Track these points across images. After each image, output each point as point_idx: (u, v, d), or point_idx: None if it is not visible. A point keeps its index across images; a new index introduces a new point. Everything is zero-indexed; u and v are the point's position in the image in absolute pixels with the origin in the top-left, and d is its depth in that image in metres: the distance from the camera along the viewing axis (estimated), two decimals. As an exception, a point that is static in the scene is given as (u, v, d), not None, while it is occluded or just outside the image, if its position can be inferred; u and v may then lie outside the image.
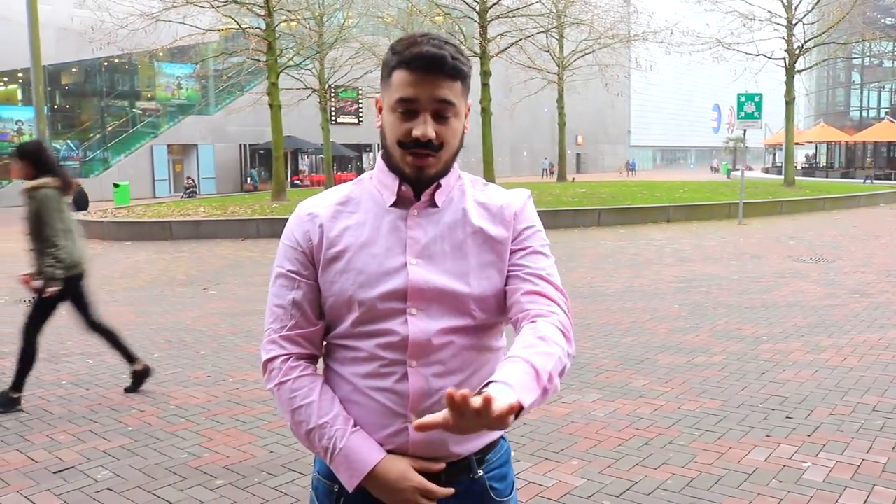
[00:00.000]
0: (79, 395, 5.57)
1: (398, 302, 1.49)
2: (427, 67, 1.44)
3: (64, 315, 8.71)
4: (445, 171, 1.54)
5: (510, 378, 1.25)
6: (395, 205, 1.54)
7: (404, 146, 1.48)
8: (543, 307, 1.47)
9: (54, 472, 4.11)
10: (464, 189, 1.59)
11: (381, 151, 1.60)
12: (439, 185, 1.54)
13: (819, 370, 5.75)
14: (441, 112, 1.46)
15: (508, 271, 1.54)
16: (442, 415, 1.15)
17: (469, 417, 1.11)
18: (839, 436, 4.41)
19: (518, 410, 1.18)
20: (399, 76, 1.46)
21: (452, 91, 1.47)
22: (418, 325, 1.48)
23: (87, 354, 6.78)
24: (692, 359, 6.17)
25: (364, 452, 1.47)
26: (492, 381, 1.24)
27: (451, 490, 1.47)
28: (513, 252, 1.55)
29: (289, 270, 1.55)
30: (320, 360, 1.64)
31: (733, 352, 6.35)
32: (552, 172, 55.26)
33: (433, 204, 1.55)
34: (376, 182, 1.58)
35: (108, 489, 3.88)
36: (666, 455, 4.18)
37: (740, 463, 4.05)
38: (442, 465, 1.50)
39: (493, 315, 1.54)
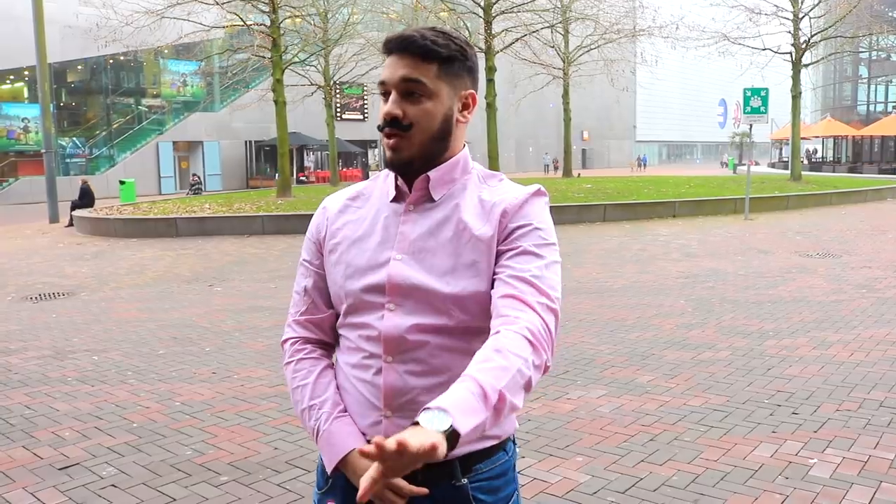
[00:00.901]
0: (84, 391, 5.58)
1: (378, 296, 1.51)
2: (396, 48, 1.49)
3: (69, 312, 8.74)
4: (427, 156, 1.51)
5: (450, 402, 1.19)
6: (396, 199, 1.57)
7: (380, 129, 1.51)
8: (512, 313, 1.38)
9: (59, 469, 4.12)
10: (467, 184, 1.56)
11: None
12: (429, 178, 1.53)
13: (826, 366, 5.73)
14: (409, 91, 1.47)
15: (494, 273, 1.48)
16: (373, 469, 1.15)
17: (393, 461, 1.09)
18: (846, 432, 4.38)
19: (455, 437, 1.15)
20: (383, 63, 1.53)
21: (421, 71, 1.47)
22: (393, 320, 1.49)
23: (92, 351, 6.80)
24: (698, 354, 6.15)
25: (342, 438, 1.52)
26: (427, 408, 1.18)
27: (423, 490, 1.39)
28: (501, 252, 1.48)
29: (304, 259, 1.67)
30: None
31: (739, 347, 6.32)
32: (556, 168, 54.88)
33: (430, 199, 1.54)
34: (386, 177, 1.62)
35: (113, 486, 3.89)
36: (671, 451, 4.17)
37: (746, 459, 4.03)
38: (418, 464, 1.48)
39: (476, 318, 1.48)
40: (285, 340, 1.67)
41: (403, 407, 1.49)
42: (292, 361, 1.64)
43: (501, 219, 1.50)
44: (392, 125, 1.47)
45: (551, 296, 1.44)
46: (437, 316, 1.48)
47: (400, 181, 1.55)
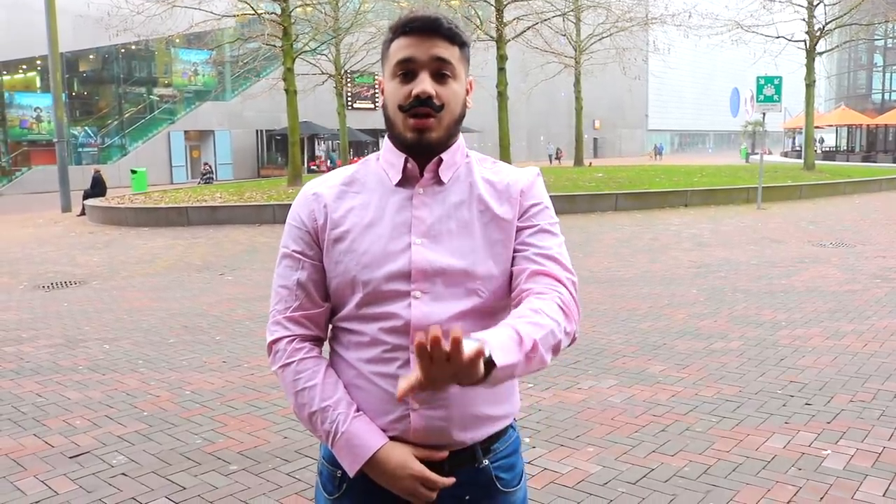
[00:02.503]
0: (95, 380, 5.59)
1: (402, 283, 1.46)
2: (423, 28, 1.45)
3: (81, 301, 8.77)
4: (447, 138, 1.51)
5: (488, 336, 1.23)
6: (400, 184, 1.52)
7: (405, 109, 1.46)
8: (546, 287, 1.44)
9: (70, 457, 4.13)
10: (471, 167, 1.56)
11: (387, 132, 1.58)
12: (441, 161, 1.52)
13: (839, 356, 5.67)
14: (440, 70, 1.46)
15: (515, 250, 1.51)
16: (413, 374, 1.16)
17: (439, 362, 1.11)
18: (860, 423, 4.34)
19: (489, 365, 1.18)
20: (396, 44, 1.47)
21: (450, 53, 1.47)
22: (422, 309, 1.46)
23: (103, 340, 6.82)
24: (710, 345, 6.10)
25: (365, 438, 1.46)
26: (467, 337, 1.19)
27: (451, 480, 1.44)
28: (519, 230, 1.52)
29: (294, 251, 1.55)
30: (326, 344, 1.63)
31: (752, 337, 6.27)
32: (559, 158, 54.16)
33: (439, 182, 1.52)
34: (383, 162, 1.57)
35: (123, 474, 3.89)
36: (683, 442, 4.14)
37: (758, 450, 3.99)
38: (444, 454, 1.48)
39: (500, 297, 1.51)
40: (277, 340, 1.54)
41: (433, 397, 1.46)
42: (292, 362, 1.52)
43: (520, 198, 1.54)
44: (427, 104, 1.44)
45: (572, 270, 1.52)
46: (465, 299, 1.48)
47: (411, 163, 1.51)
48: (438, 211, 1.50)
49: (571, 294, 1.46)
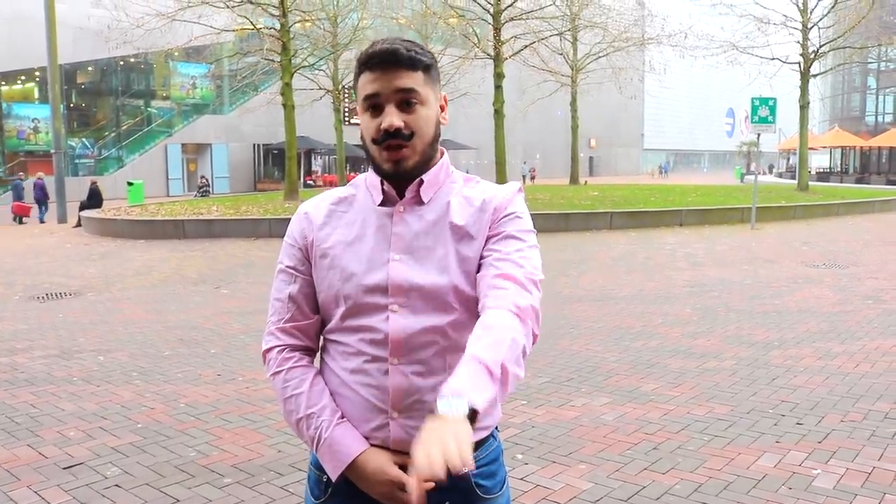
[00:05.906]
0: (89, 391, 5.60)
1: (380, 296, 1.53)
2: (383, 62, 1.51)
3: (76, 312, 8.77)
4: (424, 162, 1.57)
5: (461, 385, 1.27)
6: (383, 203, 1.60)
7: (378, 142, 1.53)
8: (498, 291, 1.46)
9: (64, 468, 4.14)
10: (452, 187, 1.63)
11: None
12: (422, 182, 1.58)
13: (830, 376, 5.71)
14: (405, 101, 1.52)
15: (481, 257, 1.55)
16: (415, 482, 1.24)
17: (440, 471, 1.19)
18: (850, 443, 4.37)
19: (474, 416, 1.23)
20: (362, 79, 1.54)
21: (413, 80, 1.52)
22: (399, 322, 1.52)
23: (98, 351, 6.82)
24: (703, 363, 6.14)
25: (346, 444, 1.53)
26: (441, 396, 1.27)
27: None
28: (487, 239, 1.56)
29: (287, 266, 1.65)
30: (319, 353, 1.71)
31: (744, 357, 6.31)
32: (532, 178, 53.51)
33: (420, 201, 1.59)
34: (368, 182, 1.65)
35: (117, 486, 3.90)
36: (674, 460, 4.16)
37: (749, 469, 4.02)
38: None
39: (473, 311, 1.55)
40: (269, 349, 1.64)
41: (410, 407, 1.52)
42: (282, 371, 1.61)
43: (493, 214, 1.58)
44: (396, 136, 1.51)
45: (532, 271, 1.52)
46: (442, 314, 1.53)
47: (387, 186, 1.59)
48: (416, 228, 1.57)
49: (527, 292, 1.46)
